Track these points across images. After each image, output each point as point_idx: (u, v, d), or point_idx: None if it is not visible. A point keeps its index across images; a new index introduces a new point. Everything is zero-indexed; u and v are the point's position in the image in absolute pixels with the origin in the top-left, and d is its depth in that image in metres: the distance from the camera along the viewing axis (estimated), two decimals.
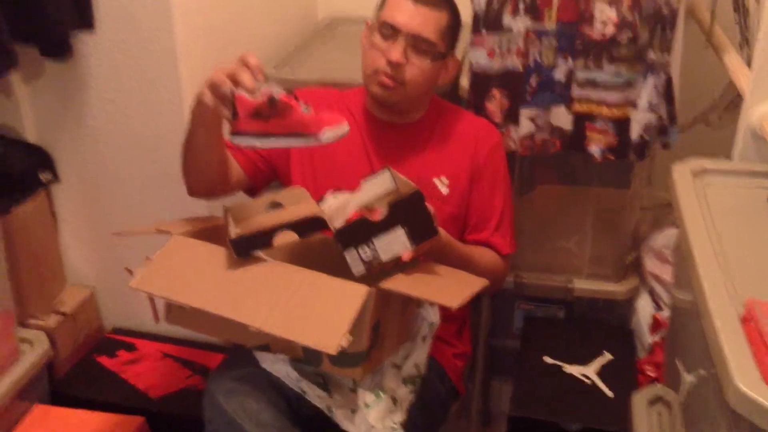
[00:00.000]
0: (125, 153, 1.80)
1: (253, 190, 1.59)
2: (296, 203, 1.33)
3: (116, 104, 1.74)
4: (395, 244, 1.20)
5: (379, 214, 1.19)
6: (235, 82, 1.16)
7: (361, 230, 1.18)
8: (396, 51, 1.43)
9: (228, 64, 1.19)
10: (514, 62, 1.64)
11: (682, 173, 1.33)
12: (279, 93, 1.15)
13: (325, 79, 1.77)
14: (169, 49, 1.63)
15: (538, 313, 1.99)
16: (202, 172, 1.44)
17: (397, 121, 1.57)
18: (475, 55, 1.66)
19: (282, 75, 1.84)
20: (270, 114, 1.14)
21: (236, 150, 1.50)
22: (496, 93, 1.68)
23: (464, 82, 1.74)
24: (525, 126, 1.68)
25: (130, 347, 2.02)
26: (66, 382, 1.91)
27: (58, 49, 1.63)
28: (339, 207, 1.30)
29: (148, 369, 1.93)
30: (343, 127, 1.22)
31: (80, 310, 2.03)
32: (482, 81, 1.68)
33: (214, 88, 1.19)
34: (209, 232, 1.36)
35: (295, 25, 2.20)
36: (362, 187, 1.38)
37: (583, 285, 1.89)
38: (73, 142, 1.85)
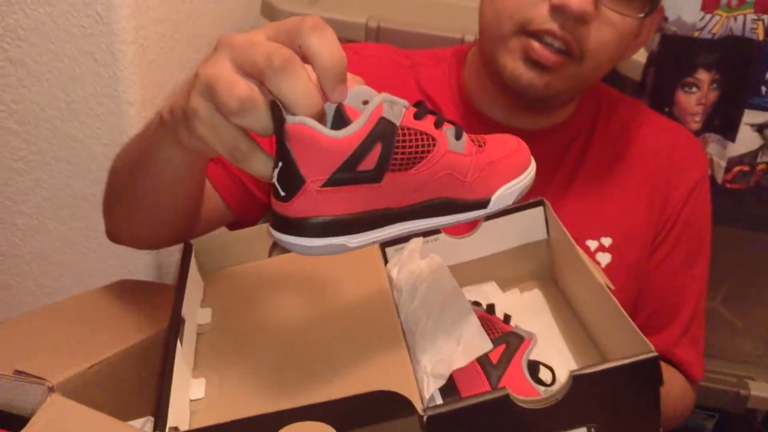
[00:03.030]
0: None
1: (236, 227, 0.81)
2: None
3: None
4: None
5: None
6: (277, 93, 0.43)
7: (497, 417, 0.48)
8: None
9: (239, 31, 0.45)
10: (751, 25, 0.89)
11: None
12: (393, 107, 0.45)
13: (387, 24, 1.01)
14: None
15: None
16: (156, 215, 0.66)
17: (525, 125, 0.82)
18: (678, 4, 0.90)
19: (312, 11, 1.04)
20: (374, 172, 0.45)
21: (216, 168, 0.75)
22: (703, 76, 0.93)
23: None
24: (746, 139, 0.96)
25: None
26: None
27: None
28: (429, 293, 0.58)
29: None
30: (528, 176, 0.55)
31: None
32: (680, 53, 0.94)
33: (215, 98, 0.45)
34: (146, 349, 0.63)
35: None
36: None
37: (763, 390, 1.19)
38: None
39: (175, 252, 0.97)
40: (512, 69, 0.73)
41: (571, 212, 0.81)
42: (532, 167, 0.55)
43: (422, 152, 0.46)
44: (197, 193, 0.67)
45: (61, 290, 1.05)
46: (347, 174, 0.44)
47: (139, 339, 0.64)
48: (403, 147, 0.46)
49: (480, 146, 0.51)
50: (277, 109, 0.42)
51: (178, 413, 0.46)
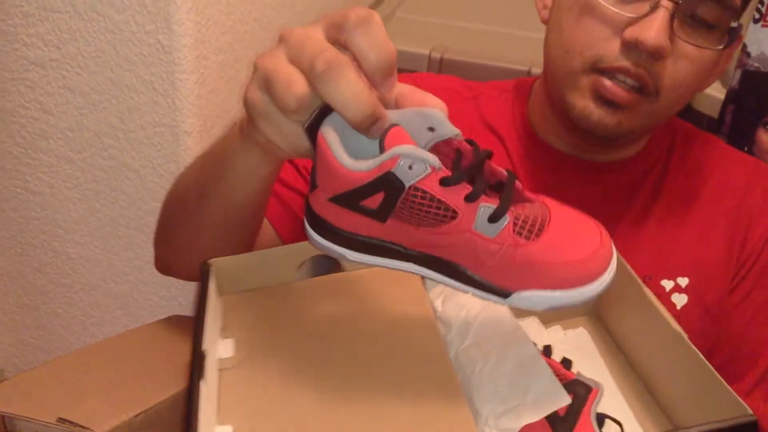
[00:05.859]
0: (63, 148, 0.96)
1: None
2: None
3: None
4: None
5: None
6: (324, 97, 0.42)
7: None
8: (656, 26, 0.64)
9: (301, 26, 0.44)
10: None
11: None
12: (414, 165, 0.41)
13: (450, 55, 0.96)
14: None
15: None
16: (220, 240, 0.64)
17: (593, 158, 0.78)
18: (761, 39, 0.85)
19: None
20: (377, 213, 0.43)
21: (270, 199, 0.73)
22: None
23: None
24: None
25: None
26: None
27: None
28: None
29: None
30: (585, 293, 0.45)
31: None
32: (763, 89, 0.88)
33: (273, 93, 0.44)
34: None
35: None
36: None
37: None
38: None
39: None
40: (582, 108, 0.69)
41: (644, 250, 0.76)
42: (601, 282, 0.45)
43: (434, 220, 0.42)
44: (261, 215, 0.65)
45: (110, 321, 1.03)
46: (351, 202, 0.43)
47: (186, 384, 0.61)
48: (411, 207, 0.41)
49: (528, 238, 0.43)
50: (322, 112, 0.42)
51: None
